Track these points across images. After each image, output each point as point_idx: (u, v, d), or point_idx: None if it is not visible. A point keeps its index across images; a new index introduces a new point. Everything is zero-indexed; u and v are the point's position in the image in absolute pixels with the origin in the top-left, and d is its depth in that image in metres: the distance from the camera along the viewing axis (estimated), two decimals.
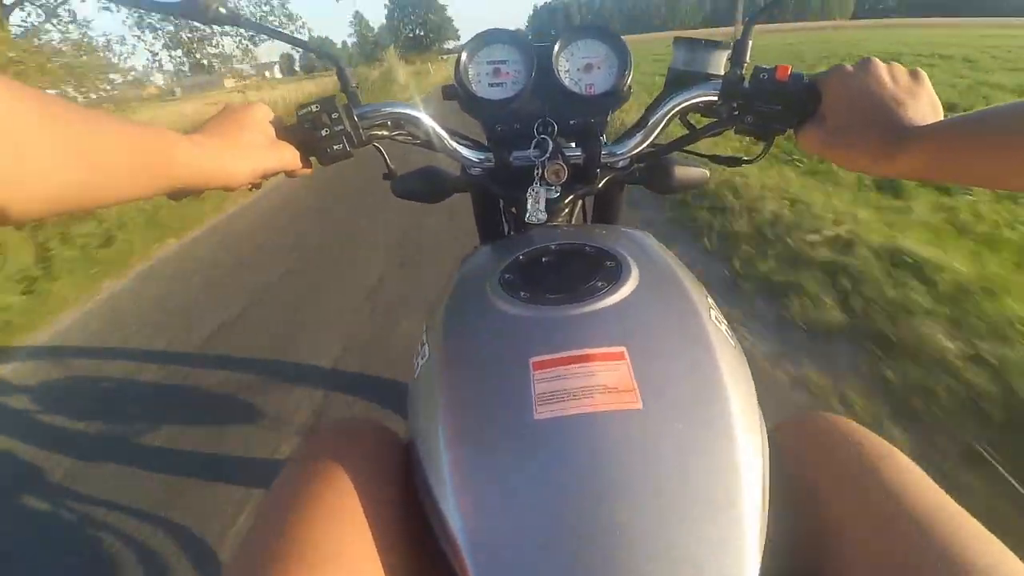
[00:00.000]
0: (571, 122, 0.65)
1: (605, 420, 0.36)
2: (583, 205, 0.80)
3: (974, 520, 0.37)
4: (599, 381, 0.38)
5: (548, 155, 0.61)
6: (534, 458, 0.36)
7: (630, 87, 0.66)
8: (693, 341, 0.42)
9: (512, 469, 0.36)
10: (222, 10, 0.53)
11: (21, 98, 0.30)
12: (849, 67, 0.50)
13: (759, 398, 0.43)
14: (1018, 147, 0.38)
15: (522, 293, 0.46)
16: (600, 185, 0.67)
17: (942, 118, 0.46)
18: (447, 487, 0.37)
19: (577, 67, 0.66)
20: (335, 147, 0.57)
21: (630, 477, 0.34)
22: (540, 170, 0.61)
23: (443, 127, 0.64)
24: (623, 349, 0.40)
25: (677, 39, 0.64)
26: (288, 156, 0.55)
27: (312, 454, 0.45)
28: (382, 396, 1.73)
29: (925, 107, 0.46)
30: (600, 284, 0.45)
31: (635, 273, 0.47)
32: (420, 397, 0.45)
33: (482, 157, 0.66)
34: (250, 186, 0.56)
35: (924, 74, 0.48)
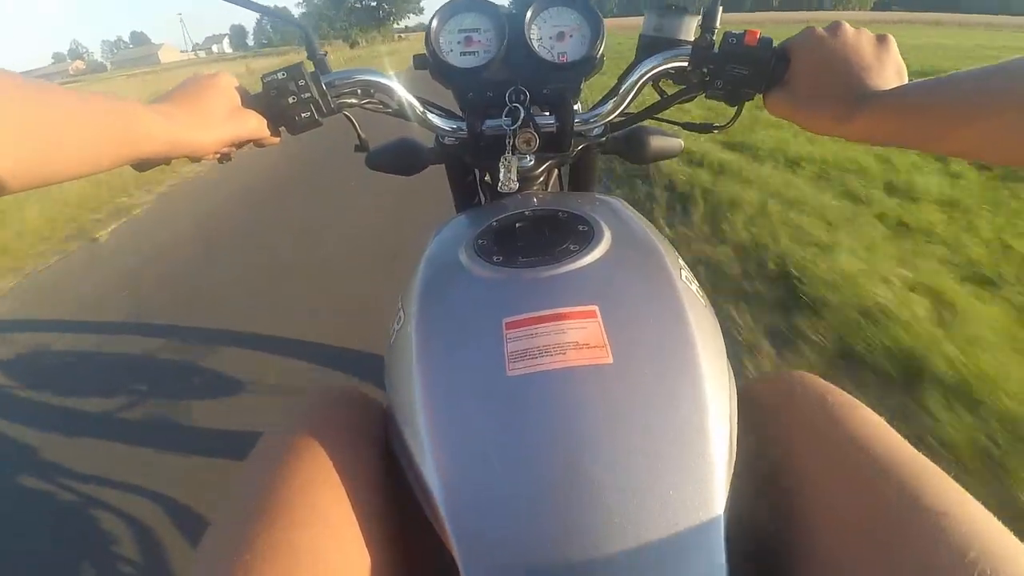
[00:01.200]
0: (544, 91, 0.65)
1: (576, 375, 0.37)
2: (559, 174, 0.80)
3: (937, 468, 0.39)
4: (571, 338, 0.39)
5: (520, 123, 0.61)
6: (507, 414, 0.37)
7: (603, 56, 0.66)
8: (663, 299, 0.43)
9: (486, 426, 0.37)
10: None
11: None
12: (819, 31, 0.51)
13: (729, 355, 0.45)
14: (970, 115, 0.39)
15: (495, 257, 0.47)
16: (574, 153, 0.67)
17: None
18: (424, 447, 0.38)
19: (549, 35, 0.66)
20: (303, 115, 0.55)
21: (600, 428, 0.35)
22: (512, 139, 0.61)
23: (415, 95, 0.63)
24: (595, 308, 0.41)
25: (650, 6, 0.64)
26: (255, 124, 0.53)
27: (291, 423, 0.44)
28: None
29: (890, 73, 0.48)
30: (572, 247, 0.46)
31: (607, 236, 0.48)
32: (396, 362, 0.46)
33: (455, 126, 0.65)
34: (218, 157, 0.54)
35: (892, 39, 0.49)
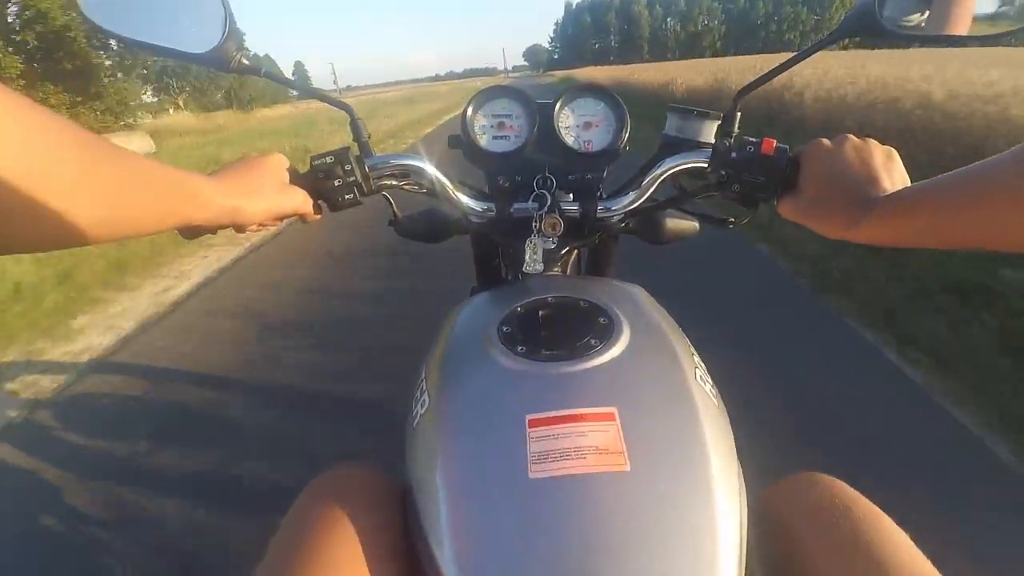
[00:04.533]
0: (569, 177, 0.68)
1: (596, 482, 0.38)
2: (579, 255, 0.83)
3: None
4: (591, 442, 0.40)
5: (546, 209, 0.64)
6: (528, 516, 0.38)
7: (626, 145, 0.69)
8: (679, 403, 0.44)
9: (507, 525, 0.38)
10: (245, 61, 0.56)
11: (53, 130, 0.31)
12: (827, 142, 0.53)
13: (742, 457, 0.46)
14: (967, 210, 0.40)
15: (519, 348, 0.49)
16: (595, 238, 0.70)
17: None
18: (444, 539, 0.39)
19: (577, 124, 0.70)
20: (347, 196, 0.60)
21: (616, 536, 0.36)
22: (538, 223, 0.64)
23: (447, 176, 0.67)
24: (614, 410, 0.42)
25: (671, 107, 0.67)
26: (300, 201, 0.58)
27: (310, 502, 0.46)
28: None
29: (895, 181, 0.50)
30: (593, 342, 0.48)
31: (626, 331, 0.49)
32: (419, 446, 0.47)
33: (484, 207, 0.69)
34: (260, 227, 0.59)
35: (895, 152, 0.52)
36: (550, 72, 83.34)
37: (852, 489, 0.50)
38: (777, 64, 0.56)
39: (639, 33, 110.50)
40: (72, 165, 0.33)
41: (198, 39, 0.54)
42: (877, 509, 0.47)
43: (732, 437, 0.46)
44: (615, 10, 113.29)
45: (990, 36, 0.52)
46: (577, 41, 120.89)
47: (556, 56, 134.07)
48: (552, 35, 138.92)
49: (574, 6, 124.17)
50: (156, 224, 0.42)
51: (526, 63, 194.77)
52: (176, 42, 0.53)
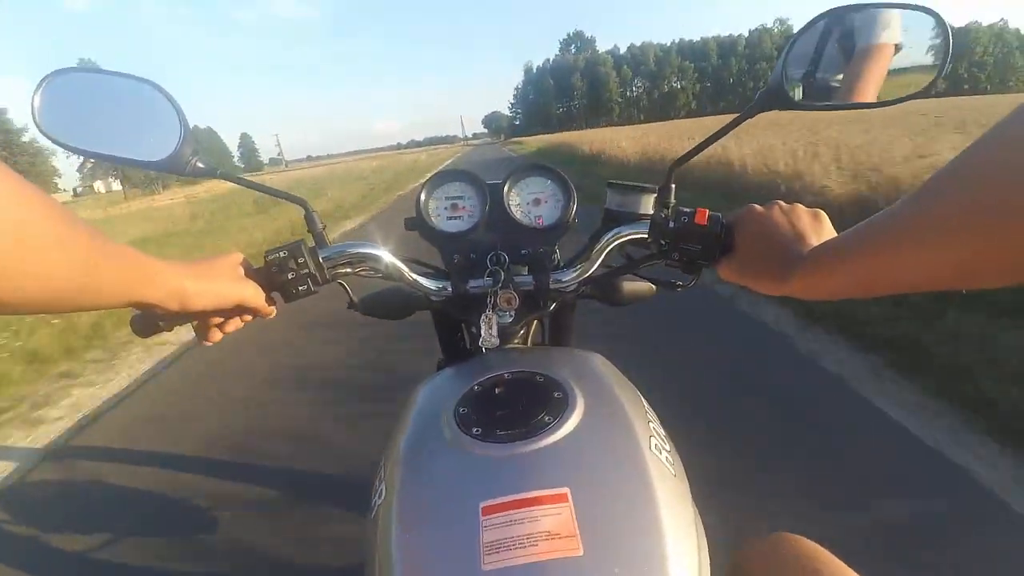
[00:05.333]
0: (522, 252, 0.71)
1: (548, 570, 0.38)
2: (539, 323, 0.85)
3: None
4: (543, 527, 0.40)
5: (500, 284, 0.67)
6: None
7: (575, 218, 0.73)
8: (633, 477, 0.45)
9: None
10: (200, 164, 0.58)
11: (34, 199, 0.33)
12: (757, 207, 0.58)
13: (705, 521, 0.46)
14: (884, 254, 0.39)
15: (475, 429, 0.49)
16: (551, 308, 0.73)
17: None
18: None
19: (527, 201, 0.74)
20: (300, 287, 0.61)
21: None
22: (493, 299, 0.66)
23: (402, 258, 0.69)
24: (566, 491, 0.42)
25: (610, 184, 0.72)
26: (252, 292, 0.58)
27: None
28: None
29: (822, 239, 0.53)
30: (547, 419, 0.49)
31: (580, 405, 0.51)
32: (377, 539, 0.46)
33: (441, 286, 0.71)
34: (219, 331, 0.59)
35: (823, 214, 0.56)
36: (516, 139, 70.48)
37: (823, 549, 0.51)
38: (704, 138, 0.61)
39: (607, 95, 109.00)
40: (54, 229, 0.34)
41: (155, 147, 0.56)
42: (843, 565, 0.49)
43: (691, 505, 0.47)
44: (580, 71, 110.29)
45: (894, 100, 0.55)
46: (540, 106, 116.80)
47: (518, 122, 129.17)
48: (512, 100, 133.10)
49: (535, 70, 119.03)
50: (116, 298, 0.42)
51: (486, 130, 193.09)
52: (133, 151, 0.56)
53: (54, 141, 0.52)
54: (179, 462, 2.13)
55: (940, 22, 0.52)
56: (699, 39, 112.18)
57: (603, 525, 0.41)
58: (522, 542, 0.39)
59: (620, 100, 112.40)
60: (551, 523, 0.40)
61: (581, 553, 0.39)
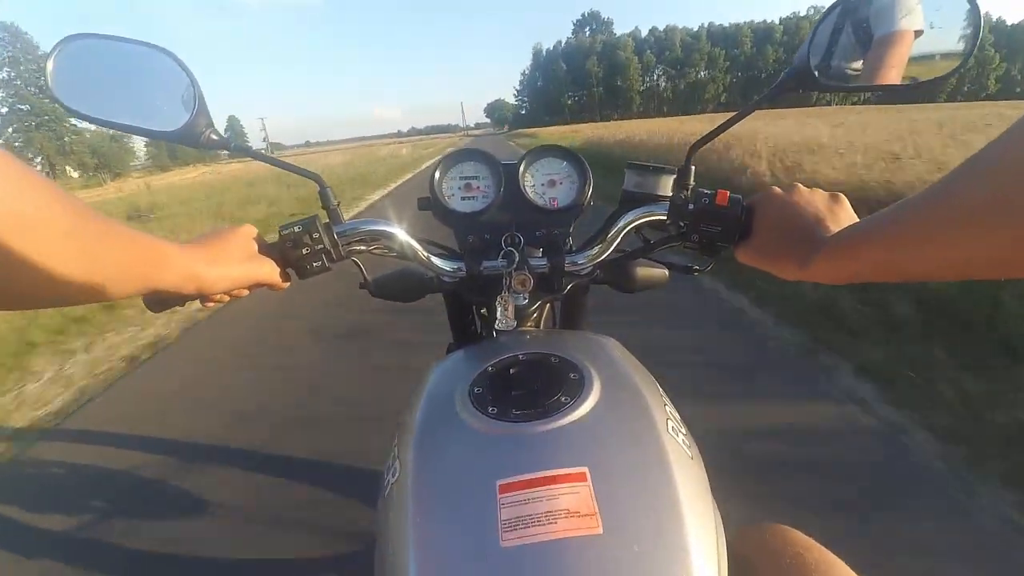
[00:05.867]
0: (537, 233, 0.70)
1: (568, 547, 0.38)
2: (552, 307, 0.84)
3: None
4: (562, 505, 0.40)
5: (515, 266, 0.66)
6: None
7: (591, 200, 0.73)
8: (650, 456, 0.45)
9: None
10: (214, 136, 0.58)
11: (39, 188, 0.32)
12: (778, 190, 0.57)
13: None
14: (911, 241, 0.39)
15: (490, 408, 0.49)
16: (565, 291, 0.72)
17: None
18: None
19: (541, 182, 0.73)
20: (315, 264, 0.60)
21: None
22: (508, 280, 0.66)
23: (417, 238, 0.68)
24: (585, 470, 0.42)
25: (629, 164, 0.71)
26: (267, 270, 0.58)
27: None
28: None
29: (841, 223, 0.52)
30: (564, 399, 0.49)
31: (597, 386, 0.50)
32: (390, 518, 0.46)
33: (455, 267, 0.70)
34: (228, 297, 0.58)
35: (843, 197, 0.55)
36: (524, 131, 63.62)
37: (815, 542, 0.52)
38: (724, 120, 0.60)
39: (627, 84, 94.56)
40: (61, 220, 0.33)
41: (168, 117, 0.55)
42: (832, 555, 0.49)
43: (707, 484, 0.47)
44: (596, 55, 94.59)
45: (922, 83, 0.54)
46: (549, 94, 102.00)
47: (524, 112, 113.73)
48: (518, 87, 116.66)
49: (544, 53, 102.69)
50: (128, 286, 0.42)
51: (488, 120, 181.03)
52: (147, 121, 0.55)
53: (68, 110, 0.51)
54: None
55: (973, 4, 0.51)
56: (730, 24, 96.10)
57: (622, 504, 0.40)
58: (540, 520, 0.39)
59: (641, 89, 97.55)
60: (570, 501, 0.40)
61: (600, 531, 0.38)
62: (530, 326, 0.74)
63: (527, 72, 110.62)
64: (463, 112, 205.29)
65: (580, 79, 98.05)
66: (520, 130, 75.05)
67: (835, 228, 0.51)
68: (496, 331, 0.66)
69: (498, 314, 0.65)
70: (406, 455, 0.49)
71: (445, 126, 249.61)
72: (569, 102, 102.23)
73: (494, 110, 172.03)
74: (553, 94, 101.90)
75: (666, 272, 0.80)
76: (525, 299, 0.69)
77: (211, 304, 0.56)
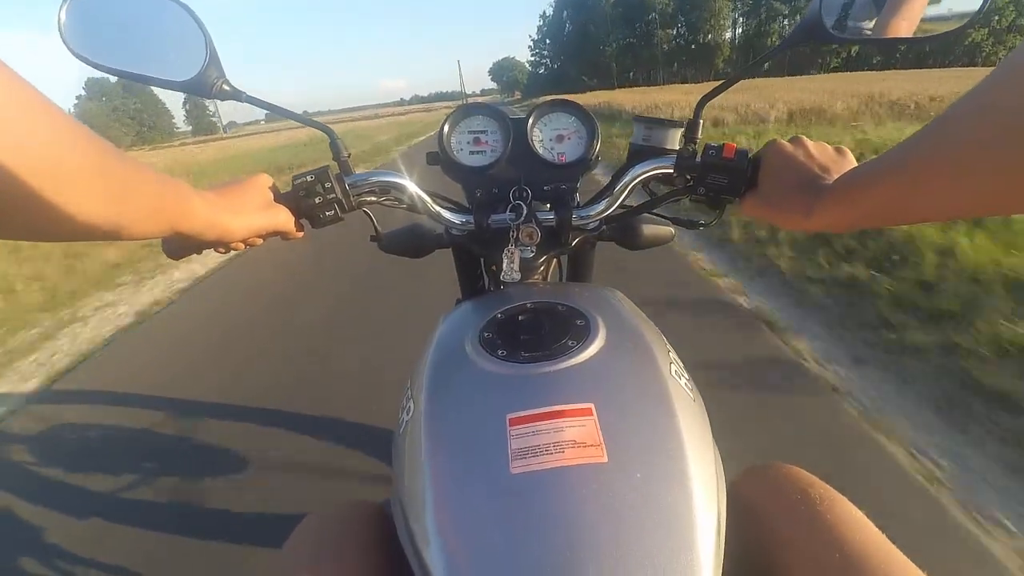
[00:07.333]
0: (544, 188, 0.71)
1: (574, 474, 0.40)
2: (558, 263, 0.86)
3: (910, 562, 0.44)
4: (569, 436, 0.42)
5: (523, 219, 0.67)
6: (510, 510, 0.39)
7: (598, 155, 0.73)
8: (654, 396, 0.47)
9: (490, 520, 0.39)
10: (226, 87, 0.58)
11: (68, 129, 0.32)
12: (782, 142, 0.58)
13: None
14: (911, 182, 0.38)
15: (499, 351, 0.51)
16: (572, 245, 0.73)
17: None
18: (430, 538, 0.40)
19: (550, 137, 0.73)
20: (327, 213, 0.61)
21: (596, 525, 0.38)
22: (515, 232, 0.67)
23: (426, 191, 0.69)
24: (591, 405, 0.44)
25: (637, 117, 0.71)
26: (283, 219, 0.59)
27: (298, 544, 0.49)
28: None
29: (844, 171, 0.52)
30: (570, 343, 0.50)
31: (602, 331, 0.52)
32: (405, 452, 0.49)
33: (463, 220, 0.71)
34: (243, 245, 0.60)
35: (847, 149, 0.56)
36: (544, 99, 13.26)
37: (818, 479, 0.54)
38: (733, 72, 0.60)
39: (715, 26, 63.75)
40: (89, 157, 0.34)
41: (181, 67, 0.56)
42: (835, 492, 0.51)
43: (708, 427, 0.49)
44: None
45: (933, 36, 0.53)
46: (579, 45, 68.16)
47: (542, 71, 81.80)
48: (533, 40, 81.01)
49: None
50: (152, 227, 0.43)
51: (495, 84, 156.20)
52: (159, 71, 0.55)
53: (79, 58, 0.52)
54: None
55: None
56: None
57: (627, 436, 0.42)
58: (548, 449, 0.41)
59: (738, 44, 64.92)
60: (576, 433, 0.42)
61: (605, 460, 0.40)
62: (537, 279, 0.76)
63: (548, 14, 75.09)
64: (460, 76, 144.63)
65: (632, 20, 65.08)
66: (540, 99, 47.23)
67: (835, 177, 0.52)
68: (502, 283, 0.68)
69: (505, 265, 0.67)
70: (419, 395, 0.51)
71: (449, 93, 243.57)
72: (616, 55, 67.55)
73: (502, 71, 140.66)
74: (587, 44, 67.58)
75: (672, 230, 0.81)
76: (532, 252, 0.70)
77: (226, 251, 0.58)
